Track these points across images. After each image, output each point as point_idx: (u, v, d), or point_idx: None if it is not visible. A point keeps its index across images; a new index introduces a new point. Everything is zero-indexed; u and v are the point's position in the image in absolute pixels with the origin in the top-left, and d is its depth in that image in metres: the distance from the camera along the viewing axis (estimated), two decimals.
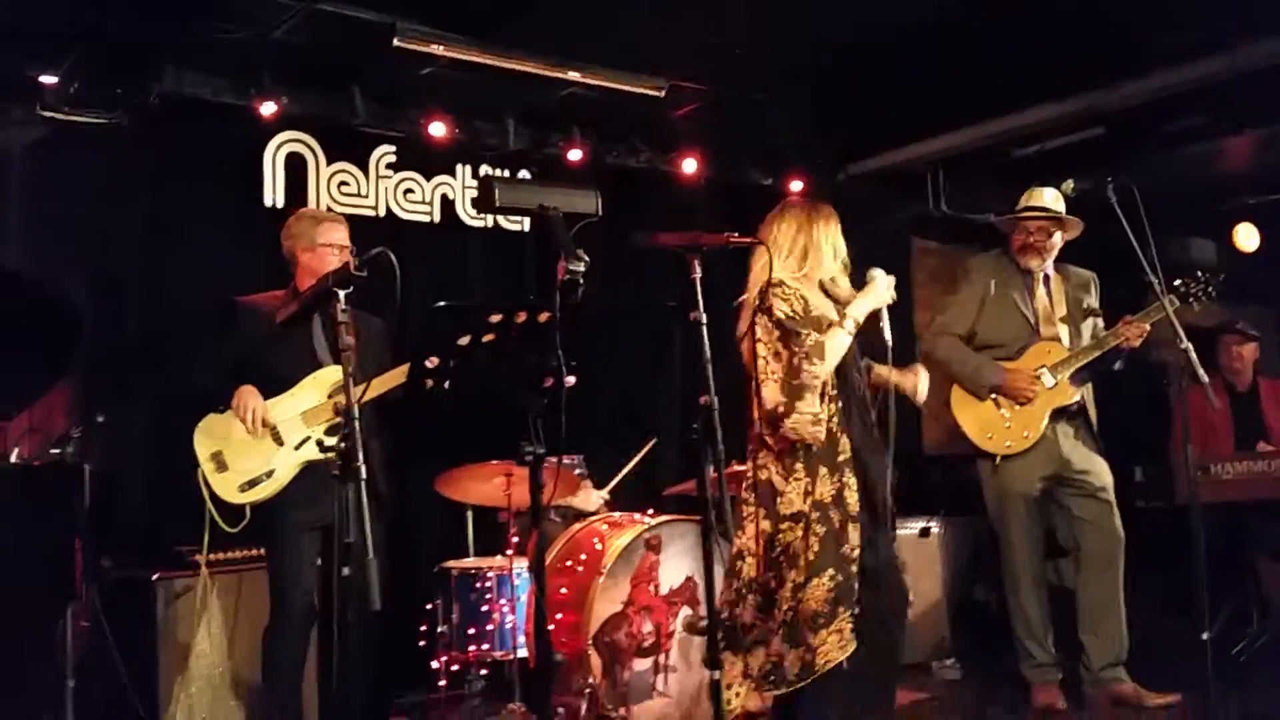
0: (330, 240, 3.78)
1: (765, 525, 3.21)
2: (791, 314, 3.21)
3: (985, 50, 4.83)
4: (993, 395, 4.39)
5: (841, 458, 3.22)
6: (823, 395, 3.20)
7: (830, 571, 3.12)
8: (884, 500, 3.30)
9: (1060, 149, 5.80)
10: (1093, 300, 4.50)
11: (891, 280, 3.35)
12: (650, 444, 4.87)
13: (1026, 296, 4.46)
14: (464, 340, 2.35)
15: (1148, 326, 4.18)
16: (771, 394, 3.19)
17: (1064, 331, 4.43)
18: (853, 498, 3.19)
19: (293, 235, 3.82)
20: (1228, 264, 6.59)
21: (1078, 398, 4.37)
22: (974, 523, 5.60)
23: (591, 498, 4.75)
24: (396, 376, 3.38)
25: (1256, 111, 5.36)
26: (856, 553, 3.17)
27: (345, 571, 2.28)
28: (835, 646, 3.09)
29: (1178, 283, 4.33)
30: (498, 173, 5.56)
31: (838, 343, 3.23)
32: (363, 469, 2.27)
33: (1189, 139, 5.73)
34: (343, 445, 2.32)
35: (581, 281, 2.30)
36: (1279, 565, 5.28)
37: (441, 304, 2.33)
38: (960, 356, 4.45)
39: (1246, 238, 6.71)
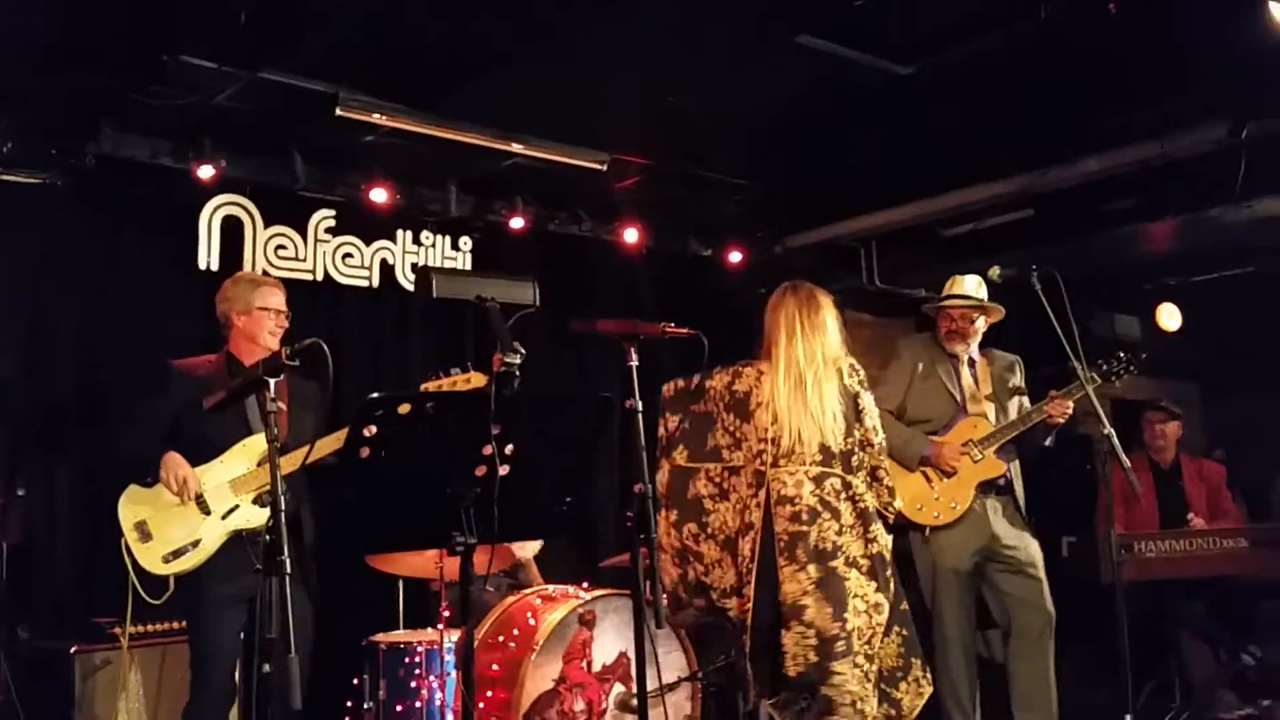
0: (267, 304, 3.74)
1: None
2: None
3: (922, 131, 4.97)
4: (922, 467, 4.48)
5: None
6: None
7: (897, 628, 3.44)
8: None
9: (990, 229, 5.97)
10: (1018, 380, 4.64)
11: None
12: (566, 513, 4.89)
13: (954, 376, 4.59)
14: (397, 428, 2.33)
15: (1070, 404, 4.27)
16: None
17: (990, 409, 4.54)
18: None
19: (228, 299, 3.77)
20: (1151, 341, 6.77)
21: (1005, 472, 4.47)
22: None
23: (527, 546, 4.72)
24: (333, 442, 3.35)
25: (1183, 197, 5.55)
26: (906, 605, 3.48)
27: (266, 668, 2.24)
28: (915, 694, 3.43)
29: (1100, 362, 4.47)
30: (439, 239, 5.57)
31: None
32: (287, 563, 2.23)
33: (1116, 221, 5.92)
34: (268, 536, 2.29)
35: (518, 373, 2.31)
36: (1201, 642, 5.38)
37: (376, 395, 2.32)
38: (891, 430, 4.53)
39: (1169, 317, 6.92)
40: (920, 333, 4.78)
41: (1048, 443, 4.50)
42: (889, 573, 3.54)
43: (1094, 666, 5.16)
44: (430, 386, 3.16)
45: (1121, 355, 4.49)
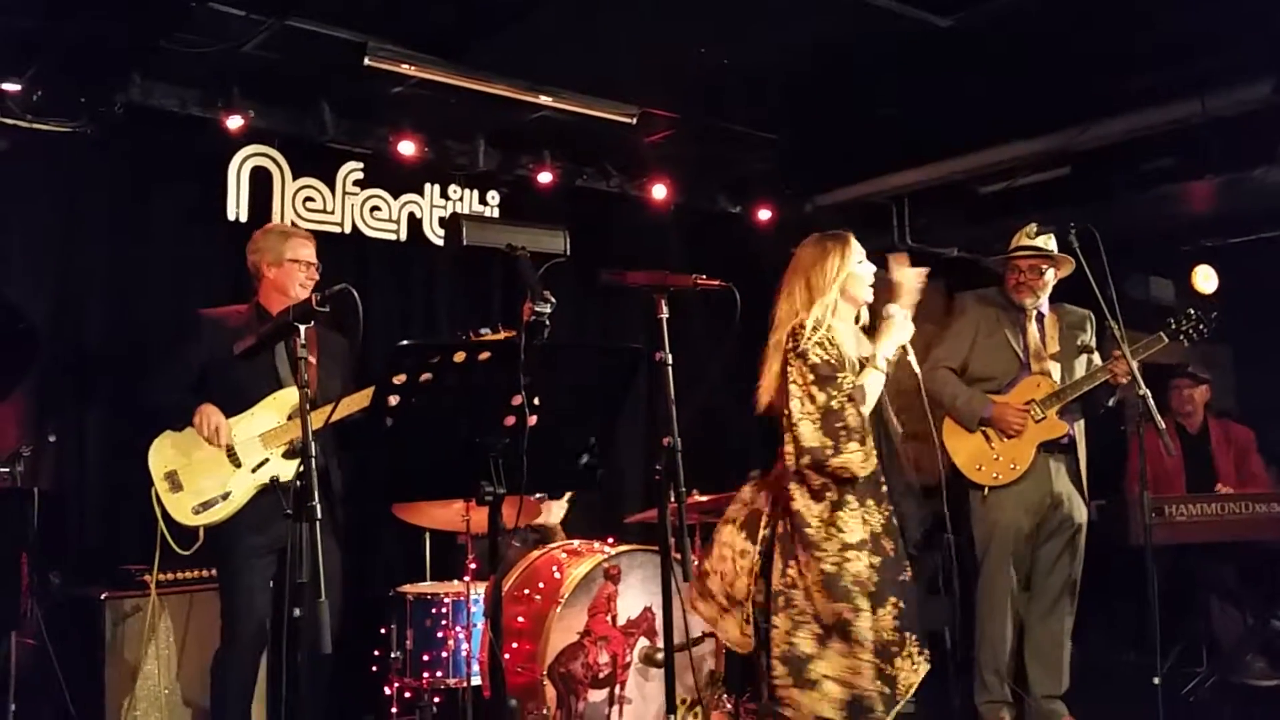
0: (298, 256, 3.73)
1: (821, 558, 3.19)
2: (826, 358, 3.24)
3: (957, 86, 4.87)
4: (982, 427, 4.44)
5: (884, 489, 3.31)
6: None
7: (893, 599, 3.19)
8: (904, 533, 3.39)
9: (1026, 187, 5.87)
10: (1088, 338, 4.55)
11: (908, 314, 3.38)
12: (598, 472, 4.89)
13: (1018, 333, 4.53)
14: (426, 377, 2.32)
15: (1136, 364, 4.13)
16: (811, 434, 3.19)
17: (1055, 368, 4.49)
18: (895, 525, 3.29)
19: (259, 249, 3.76)
20: (1184, 305, 6.67)
21: (1068, 431, 4.42)
22: (931, 556, 5.63)
23: (553, 510, 4.72)
24: (361, 400, 3.35)
25: (1223, 156, 5.44)
26: (908, 576, 3.27)
27: (297, 612, 2.25)
28: (910, 671, 3.19)
29: (1170, 321, 4.39)
30: (467, 193, 5.54)
31: (875, 383, 3.31)
32: (318, 508, 2.23)
33: (1153, 181, 5.81)
34: (299, 483, 2.29)
35: (548, 323, 2.29)
36: (1229, 606, 5.35)
37: (406, 343, 2.30)
38: (952, 389, 4.51)
39: (1205, 279, 6.81)
40: (986, 289, 4.69)
41: (1110, 403, 4.43)
42: (802, 531, 3.24)
43: (1122, 629, 5.16)
44: None
45: (1191, 313, 4.39)
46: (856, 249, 3.45)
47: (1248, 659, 5.26)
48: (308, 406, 2.37)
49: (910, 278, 3.45)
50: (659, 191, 5.88)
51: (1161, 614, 3.77)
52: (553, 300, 2.26)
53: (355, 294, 2.39)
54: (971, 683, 4.64)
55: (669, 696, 2.78)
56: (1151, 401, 3.86)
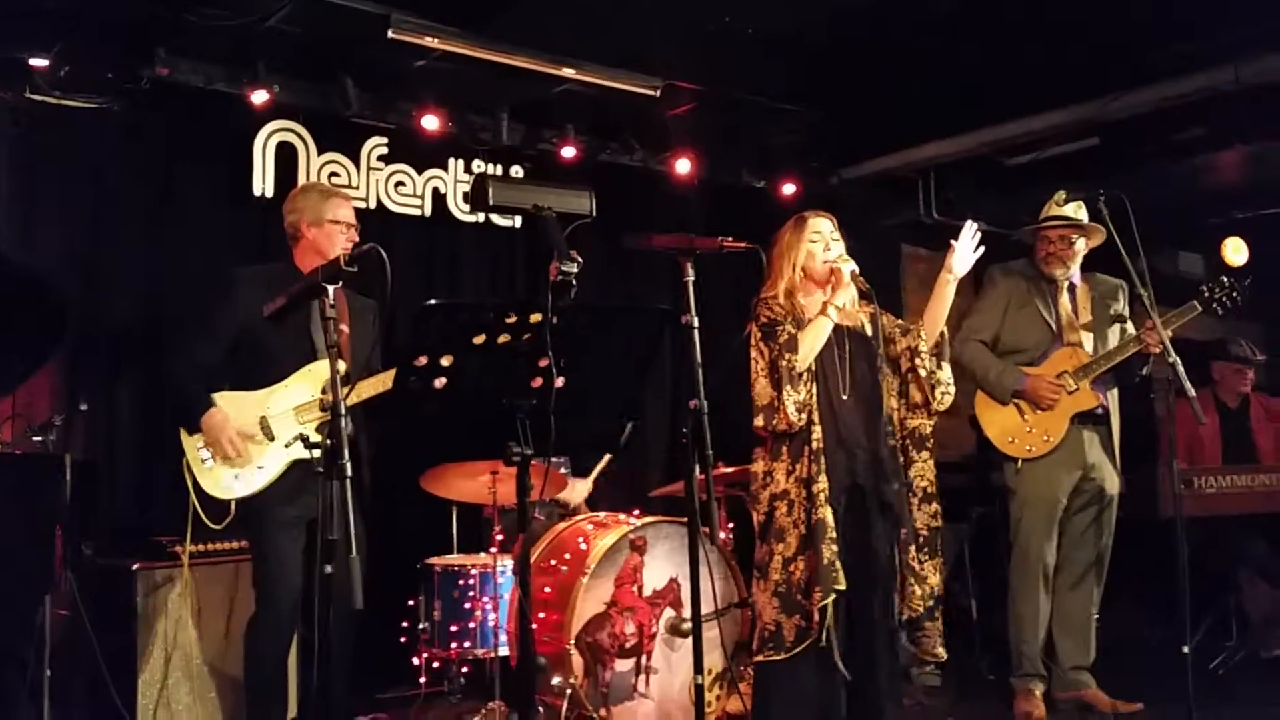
0: (338, 217, 3.65)
1: (760, 505, 3.47)
2: (772, 315, 3.45)
3: (982, 58, 4.82)
4: (1015, 400, 4.42)
5: (815, 445, 3.37)
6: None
7: (818, 550, 3.30)
8: (876, 497, 3.44)
9: (1053, 159, 5.81)
10: (1121, 307, 4.50)
11: (851, 266, 3.45)
12: (627, 428, 4.89)
13: (1050, 303, 4.49)
14: (453, 340, 2.32)
15: (1169, 333, 4.07)
16: (761, 388, 3.45)
17: (1088, 338, 4.45)
18: (823, 482, 3.35)
19: (298, 209, 3.66)
20: (1213, 278, 6.61)
21: (1101, 402, 4.40)
22: (959, 529, 5.62)
23: (577, 488, 4.73)
24: (382, 383, 3.35)
25: (1253, 126, 5.36)
26: (834, 534, 3.33)
27: (328, 569, 2.26)
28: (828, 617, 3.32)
29: (1203, 289, 4.34)
30: (492, 169, 5.54)
31: (818, 329, 3.42)
32: (348, 466, 2.24)
33: (1181, 152, 5.74)
34: (328, 442, 2.30)
35: (574, 282, 2.29)
36: (1260, 580, 5.30)
37: (432, 302, 2.30)
38: (984, 362, 4.48)
39: (1235, 251, 6.73)
40: (1016, 260, 4.65)
41: (1145, 372, 4.40)
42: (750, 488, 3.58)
43: (1152, 601, 5.12)
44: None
45: (1225, 281, 4.34)
46: (813, 225, 3.56)
47: (1276, 632, 5.23)
48: (337, 364, 2.37)
49: (963, 245, 3.53)
50: (683, 166, 5.86)
51: (1192, 587, 3.74)
52: (579, 260, 2.26)
53: (383, 252, 2.38)
54: (1000, 655, 4.63)
55: (696, 658, 2.78)
56: (1182, 370, 3.82)
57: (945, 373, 3.53)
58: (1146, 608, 5.12)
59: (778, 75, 5.15)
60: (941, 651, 3.50)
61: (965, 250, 3.52)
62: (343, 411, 2.32)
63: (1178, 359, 3.83)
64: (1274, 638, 5.22)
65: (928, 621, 3.48)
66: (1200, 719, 3.59)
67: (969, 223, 3.54)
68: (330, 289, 2.41)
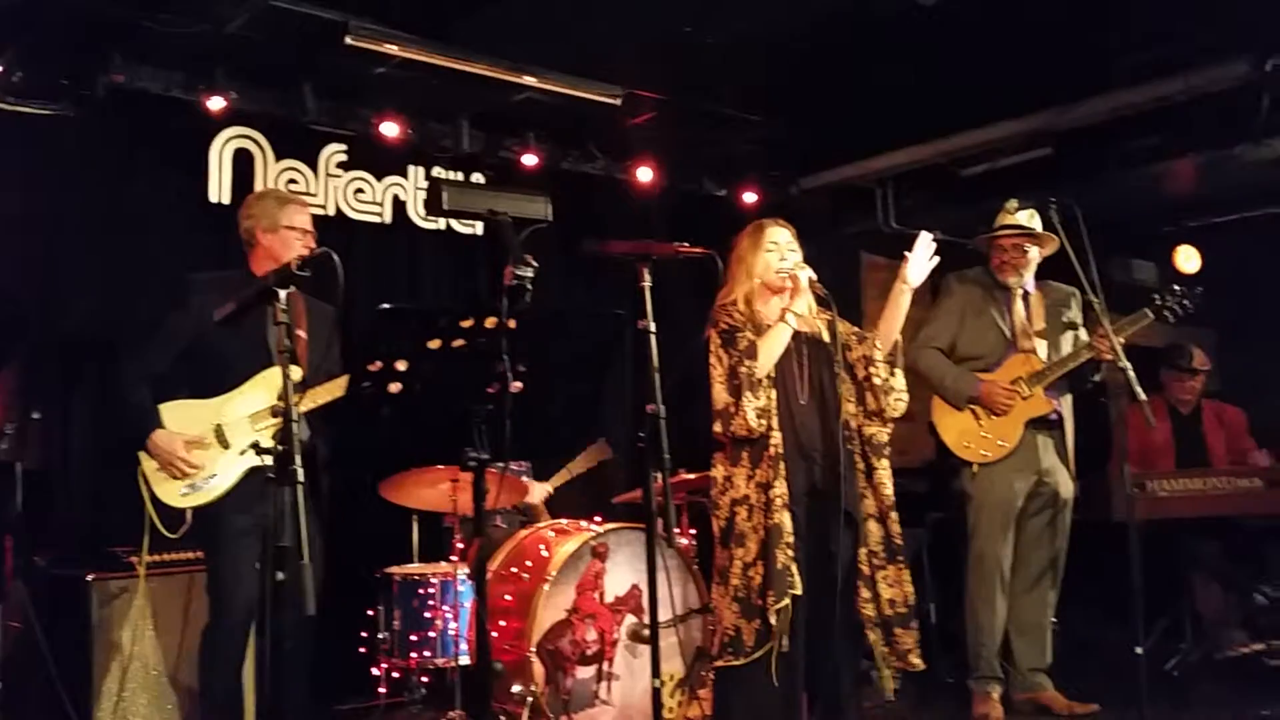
0: (294, 223, 3.63)
1: (720, 510, 3.48)
2: (732, 323, 3.47)
3: (938, 68, 4.89)
4: (971, 405, 4.48)
5: (774, 450, 3.39)
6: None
7: (773, 555, 3.32)
8: (835, 502, 3.43)
9: (1008, 168, 5.88)
10: (1073, 314, 4.59)
11: (808, 274, 3.49)
12: (599, 444, 4.90)
13: (1005, 311, 4.56)
14: (407, 345, 2.32)
15: (1121, 340, 4.14)
16: (720, 394, 3.45)
17: (1041, 345, 4.52)
18: (781, 487, 3.37)
19: (253, 215, 3.64)
20: (1166, 287, 6.72)
21: (1055, 408, 4.46)
22: (917, 534, 5.66)
23: (535, 489, 4.73)
24: (339, 388, 3.34)
25: (1204, 135, 5.47)
26: (792, 539, 3.35)
27: (280, 576, 2.24)
28: (785, 621, 3.33)
29: (1154, 297, 4.43)
30: (449, 175, 5.53)
31: (776, 336, 3.46)
32: (300, 471, 2.23)
33: (1135, 161, 5.83)
34: (280, 447, 2.28)
35: (529, 287, 2.30)
36: (1213, 583, 5.38)
37: (386, 306, 2.30)
38: (940, 368, 4.55)
39: (1187, 259, 6.84)
40: (971, 269, 4.72)
41: (1096, 378, 4.48)
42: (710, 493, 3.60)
43: (1107, 604, 5.18)
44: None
45: (1176, 289, 4.44)
46: (769, 234, 3.60)
47: (1230, 633, 5.31)
48: (289, 369, 2.36)
49: (918, 255, 3.54)
50: (644, 174, 5.89)
51: (1147, 590, 3.78)
52: (534, 264, 2.26)
53: (335, 258, 2.38)
54: (958, 659, 4.68)
55: (654, 661, 2.79)
56: (1133, 375, 3.88)
57: (899, 380, 3.56)
58: (1101, 610, 5.17)
59: (738, 85, 5.20)
60: (916, 661, 3.52)
61: (920, 260, 3.55)
62: (295, 417, 2.31)
63: (1129, 365, 3.89)
64: (1227, 639, 5.30)
65: (898, 628, 3.49)
66: (1153, 719, 3.64)
67: (923, 233, 3.57)
68: (282, 293, 2.39)
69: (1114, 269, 7.04)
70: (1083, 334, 4.55)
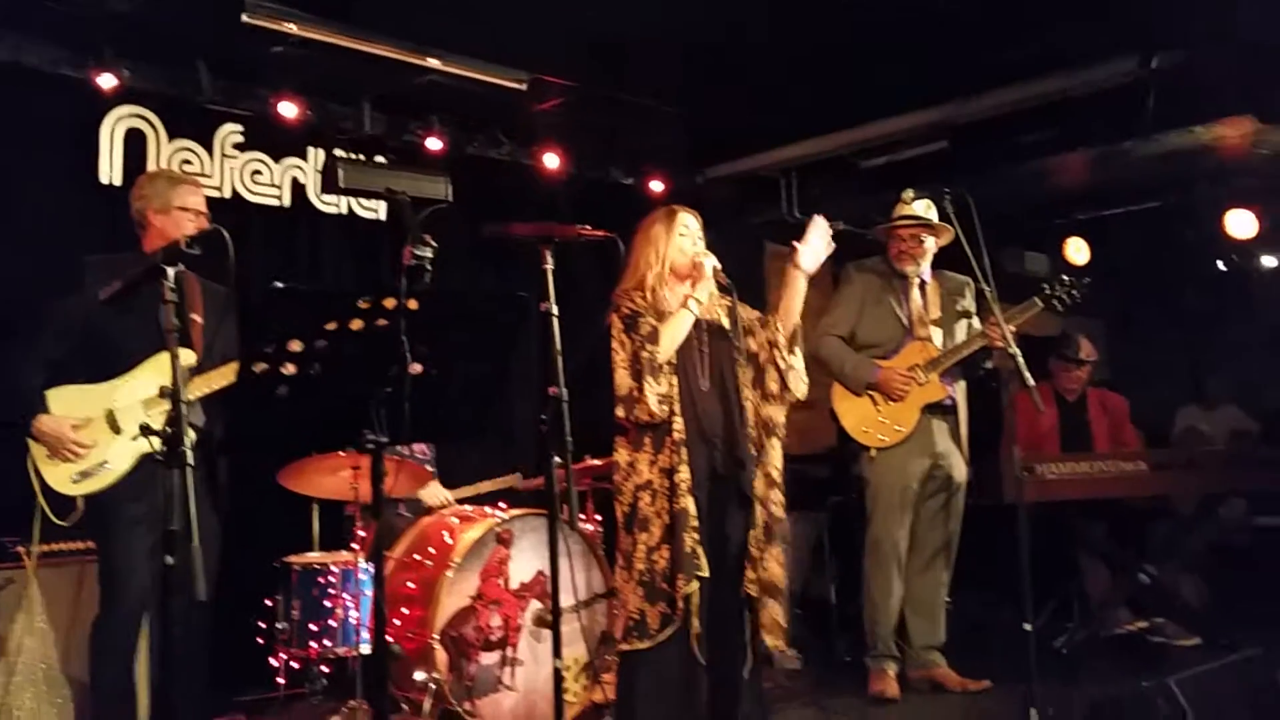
0: (186, 204, 3.56)
1: (623, 496, 3.49)
2: (635, 309, 3.47)
3: (839, 62, 4.97)
4: (869, 392, 4.59)
5: (677, 436, 3.42)
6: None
7: (680, 538, 3.34)
8: (734, 486, 3.51)
9: (907, 161, 6.02)
10: (968, 303, 4.73)
11: (712, 261, 3.53)
12: (512, 478, 4.88)
13: (902, 300, 4.67)
14: (302, 325, 2.28)
15: (1012, 328, 4.24)
16: (622, 379, 3.46)
17: (937, 333, 4.65)
18: (685, 472, 3.41)
19: (144, 196, 3.58)
20: (1057, 276, 6.94)
21: (949, 394, 4.59)
22: (817, 518, 5.77)
23: (438, 494, 4.69)
24: (231, 373, 3.28)
25: (1095, 130, 5.66)
26: (697, 523, 3.38)
27: (170, 560, 2.19)
28: (694, 604, 3.36)
29: (1044, 286, 4.59)
30: (348, 156, 5.44)
31: (679, 323, 3.48)
32: (189, 453, 2.18)
33: (1027, 155, 6.02)
34: (169, 429, 2.23)
35: (429, 267, 2.28)
36: (1099, 563, 5.59)
37: (279, 285, 2.26)
38: (840, 356, 4.65)
39: (1077, 251, 7.08)
40: (870, 258, 4.82)
41: (988, 365, 4.61)
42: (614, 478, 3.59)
43: (999, 584, 5.33)
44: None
45: (1065, 280, 4.59)
46: (682, 221, 3.62)
47: (1115, 612, 5.52)
48: (177, 350, 2.30)
49: (811, 240, 3.59)
50: (551, 161, 5.87)
51: (1037, 571, 3.90)
52: (434, 244, 2.24)
53: (226, 234, 2.33)
54: (855, 638, 4.80)
55: (555, 643, 2.80)
56: (1022, 362, 3.99)
57: (798, 360, 3.63)
58: (994, 591, 5.33)
59: (646, 74, 5.21)
60: (768, 639, 3.51)
61: (813, 245, 3.60)
62: (184, 397, 2.25)
63: (1018, 351, 4.01)
64: (1112, 618, 5.51)
65: (772, 602, 3.53)
66: (1042, 694, 3.76)
67: (817, 218, 3.64)
68: (170, 271, 2.33)
69: (1007, 260, 7.25)
70: (976, 322, 4.69)
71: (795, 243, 3.61)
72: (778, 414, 3.61)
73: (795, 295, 3.63)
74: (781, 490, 3.58)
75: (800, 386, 3.62)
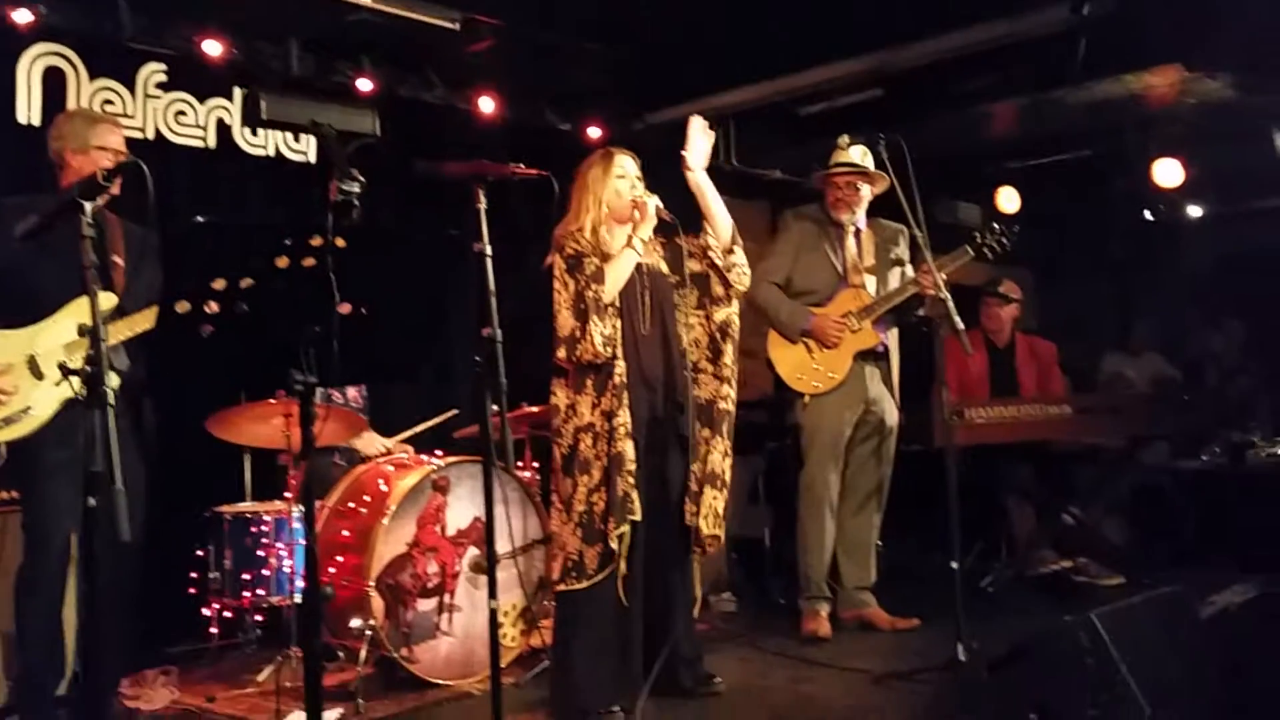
0: (105, 143, 3.48)
1: (563, 438, 3.51)
2: (578, 248, 3.48)
3: (777, 8, 4.94)
4: (804, 339, 4.62)
5: (618, 379, 3.45)
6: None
7: (614, 481, 3.39)
8: (674, 429, 3.58)
9: (844, 108, 6.02)
10: (901, 251, 4.78)
11: (655, 201, 3.57)
12: (450, 414, 4.84)
13: (837, 247, 4.71)
14: (226, 262, 2.23)
15: (943, 275, 4.28)
16: (565, 320, 3.46)
17: (871, 280, 4.69)
18: (625, 416, 3.44)
19: (62, 136, 3.51)
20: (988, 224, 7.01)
21: (882, 341, 4.64)
22: (752, 462, 5.83)
23: (375, 442, 4.65)
24: (148, 318, 3.21)
25: (1027, 78, 5.69)
26: (634, 467, 3.43)
27: (92, 502, 2.14)
28: (625, 547, 3.42)
29: (975, 235, 4.65)
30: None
31: (620, 264, 3.50)
32: (110, 393, 2.12)
33: (961, 103, 6.05)
34: (89, 368, 2.17)
35: (356, 204, 2.23)
36: (1026, 505, 5.72)
37: (200, 219, 2.20)
38: (775, 303, 4.67)
39: (1008, 200, 7.17)
40: (807, 205, 4.85)
41: (921, 312, 4.66)
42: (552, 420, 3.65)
43: (929, 527, 5.44)
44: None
45: (995, 228, 4.66)
46: (619, 163, 3.65)
47: (1040, 552, 5.66)
48: (95, 288, 2.23)
49: (695, 139, 3.66)
50: (486, 104, 5.76)
51: (966, 514, 3.99)
52: (361, 180, 2.20)
53: (144, 167, 2.26)
54: (789, 580, 4.88)
55: (490, 585, 2.80)
56: (952, 306, 4.05)
57: (738, 256, 3.69)
58: (923, 533, 5.43)
59: (581, 16, 5.13)
60: (703, 525, 3.61)
61: (697, 145, 3.67)
62: (102, 335, 2.19)
63: (949, 296, 4.07)
64: (1038, 558, 5.65)
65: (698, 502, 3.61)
66: (969, 631, 3.86)
67: (693, 118, 3.69)
68: (88, 206, 2.26)
69: (940, 211, 7.32)
70: (909, 270, 4.74)
71: (681, 151, 3.65)
72: (731, 316, 3.69)
73: (708, 197, 3.69)
74: (731, 385, 3.67)
75: (743, 279, 3.70)
